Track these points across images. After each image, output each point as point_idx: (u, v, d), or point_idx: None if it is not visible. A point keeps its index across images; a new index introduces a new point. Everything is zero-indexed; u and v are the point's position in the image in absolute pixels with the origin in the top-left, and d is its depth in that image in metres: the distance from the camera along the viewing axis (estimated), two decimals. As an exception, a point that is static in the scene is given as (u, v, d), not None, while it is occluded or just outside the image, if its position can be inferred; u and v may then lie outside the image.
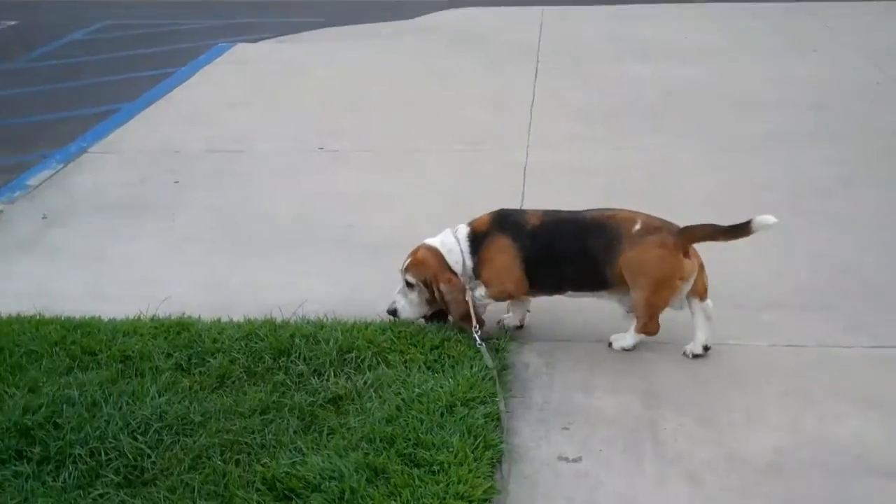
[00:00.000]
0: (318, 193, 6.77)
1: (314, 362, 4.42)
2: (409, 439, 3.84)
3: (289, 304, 4.95)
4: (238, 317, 4.92)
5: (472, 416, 3.98)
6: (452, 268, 4.64)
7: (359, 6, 14.13)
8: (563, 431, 4.06)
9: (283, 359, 4.47)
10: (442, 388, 4.16)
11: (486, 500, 3.57)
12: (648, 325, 4.56)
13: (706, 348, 4.57)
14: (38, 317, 4.99)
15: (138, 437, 3.90)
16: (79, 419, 4.00)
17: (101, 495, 3.61)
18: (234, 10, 14.32)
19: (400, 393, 4.16)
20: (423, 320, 4.80)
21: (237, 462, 3.78)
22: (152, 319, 4.92)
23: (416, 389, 4.16)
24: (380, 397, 4.15)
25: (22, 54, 11.92)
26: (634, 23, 12.00)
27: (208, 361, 4.47)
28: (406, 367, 4.37)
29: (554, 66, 9.95)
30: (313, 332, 4.63)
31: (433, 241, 4.71)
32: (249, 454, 3.82)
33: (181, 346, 4.61)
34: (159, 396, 4.16)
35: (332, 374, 4.36)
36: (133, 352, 4.55)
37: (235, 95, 9.38)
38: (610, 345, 4.69)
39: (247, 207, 6.61)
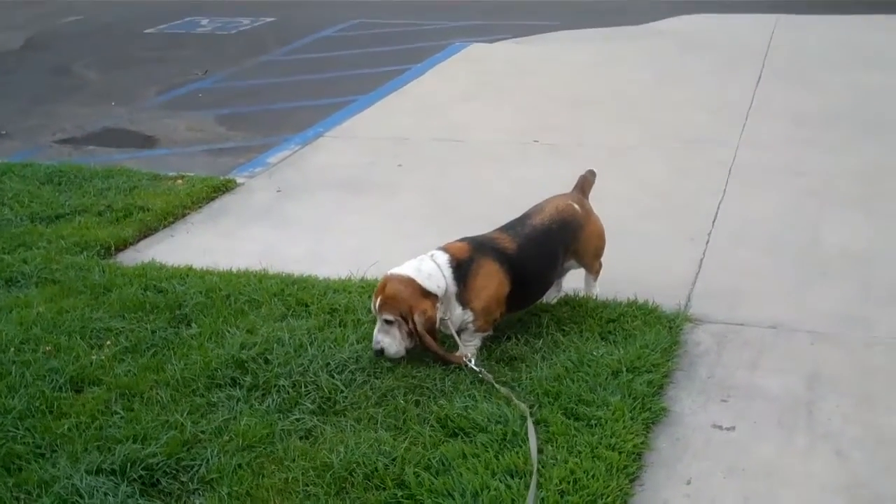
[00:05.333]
0: (529, 182, 7.10)
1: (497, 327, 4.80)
2: (573, 396, 4.20)
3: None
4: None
5: (635, 381, 4.30)
6: (434, 292, 4.47)
7: (594, 12, 14.42)
8: (722, 403, 4.30)
9: (469, 323, 4.91)
10: (611, 356, 4.50)
11: (635, 453, 3.88)
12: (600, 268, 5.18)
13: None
14: (262, 272, 5.63)
15: (335, 375, 4.44)
16: (286, 356, 4.59)
17: (297, 419, 4.16)
18: (476, 12, 14.93)
19: (571, 358, 4.52)
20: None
21: (417, 402, 4.24)
22: (361, 280, 5.46)
23: (587, 356, 4.52)
24: (551, 359, 4.53)
25: (277, 48, 12.94)
26: (871, 33, 11.83)
27: (404, 319, 4.96)
28: (580, 336, 4.73)
29: (779, 72, 9.98)
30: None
31: (402, 270, 4.51)
32: (429, 397, 4.28)
33: (382, 304, 5.12)
34: (357, 343, 4.69)
35: (513, 336, 4.76)
36: (340, 305, 5.10)
37: (463, 90, 9.95)
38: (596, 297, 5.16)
39: (461, 191, 7.09)
